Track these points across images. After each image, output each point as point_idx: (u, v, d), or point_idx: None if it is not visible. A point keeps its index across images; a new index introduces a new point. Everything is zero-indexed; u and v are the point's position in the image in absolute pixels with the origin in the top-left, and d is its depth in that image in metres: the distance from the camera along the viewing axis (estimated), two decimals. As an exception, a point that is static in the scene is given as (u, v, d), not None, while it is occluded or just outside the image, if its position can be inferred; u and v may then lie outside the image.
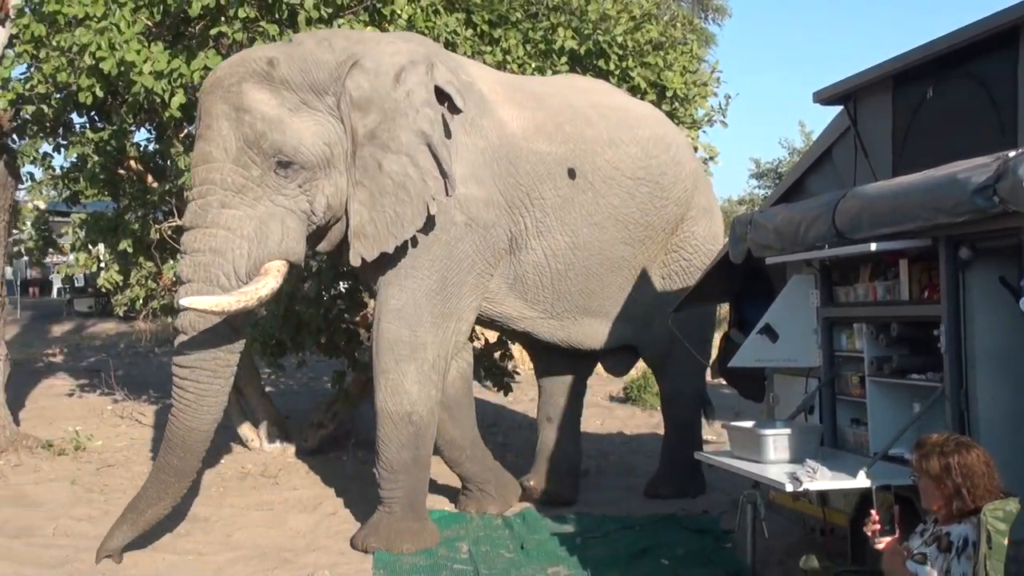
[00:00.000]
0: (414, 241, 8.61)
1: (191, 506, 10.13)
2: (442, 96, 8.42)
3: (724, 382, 10.12)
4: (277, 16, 10.92)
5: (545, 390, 11.03)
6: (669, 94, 11.83)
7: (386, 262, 8.70)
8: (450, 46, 11.29)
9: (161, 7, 10.81)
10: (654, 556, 8.78)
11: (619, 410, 16.46)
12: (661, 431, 14.43)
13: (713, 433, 12.98)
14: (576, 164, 9.22)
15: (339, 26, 10.91)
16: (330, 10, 10.87)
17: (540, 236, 9.26)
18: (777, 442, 7.29)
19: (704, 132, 12.60)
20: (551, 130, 9.20)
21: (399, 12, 11.13)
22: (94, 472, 11.44)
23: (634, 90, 11.74)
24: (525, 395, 17.28)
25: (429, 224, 8.56)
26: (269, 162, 8.05)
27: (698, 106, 12.31)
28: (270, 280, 8.01)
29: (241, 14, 10.68)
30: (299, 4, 10.75)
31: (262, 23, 10.82)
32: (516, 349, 17.64)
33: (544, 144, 9.11)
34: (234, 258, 7.99)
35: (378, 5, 11.17)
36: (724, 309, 12.49)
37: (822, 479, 6.63)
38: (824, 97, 8.29)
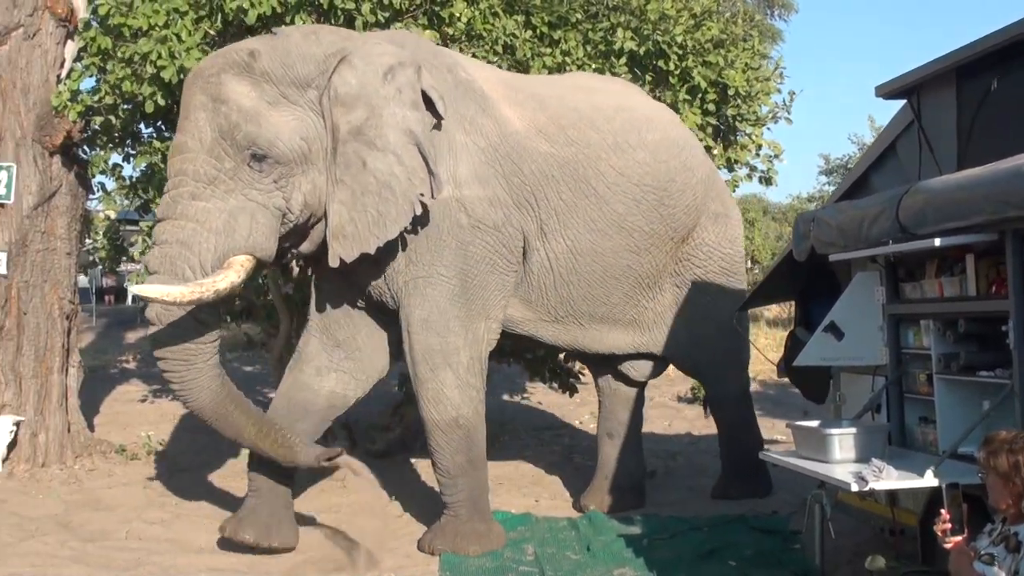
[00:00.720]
0: (426, 249, 8.49)
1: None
2: (426, 100, 8.27)
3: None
4: (334, 22, 10.90)
5: (605, 405, 10.83)
6: (731, 92, 11.66)
7: (395, 271, 8.61)
8: (509, 48, 11.27)
9: (219, 16, 10.84)
10: (721, 557, 8.67)
11: (687, 411, 16.31)
12: (731, 432, 14.40)
13: (780, 433, 12.82)
14: (580, 169, 9.04)
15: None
16: (387, 14, 10.84)
17: (544, 239, 9.09)
18: (842, 441, 7.18)
19: (768, 129, 12.41)
20: (553, 132, 9.01)
21: (458, 15, 11.08)
22: (166, 476, 11.48)
23: (695, 89, 11.63)
24: (592, 396, 17.20)
25: (437, 231, 8.46)
26: (243, 154, 7.89)
27: (761, 103, 12.12)
28: (231, 274, 7.81)
29: (298, 21, 10.69)
30: (355, 9, 10.74)
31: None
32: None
33: (546, 146, 8.93)
34: (200, 251, 7.83)
35: (436, 8, 11.12)
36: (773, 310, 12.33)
37: (888, 478, 6.50)
38: (887, 91, 8.17)
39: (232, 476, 11.79)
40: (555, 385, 12.87)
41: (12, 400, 11.40)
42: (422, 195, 8.10)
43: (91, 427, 12.83)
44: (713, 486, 10.82)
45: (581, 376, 15.37)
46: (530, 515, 10.24)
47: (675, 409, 16.41)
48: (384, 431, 12.86)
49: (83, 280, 14.94)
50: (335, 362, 9.19)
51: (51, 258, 11.52)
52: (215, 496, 10.92)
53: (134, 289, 8.26)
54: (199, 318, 7.90)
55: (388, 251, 8.43)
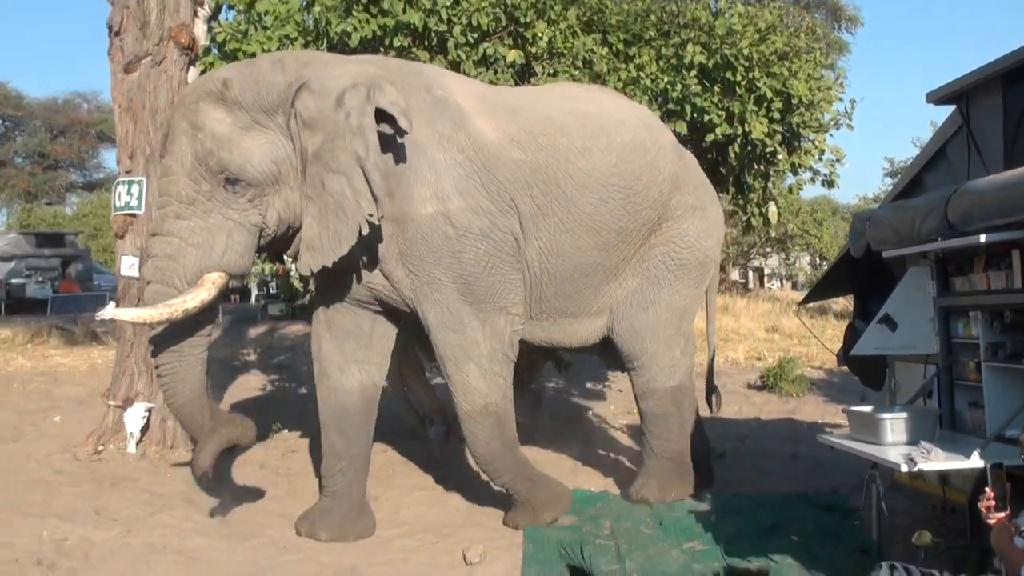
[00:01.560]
0: (421, 260, 8.34)
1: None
2: (387, 117, 8.01)
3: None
4: (428, 43, 10.93)
5: None
6: (795, 101, 11.46)
7: (406, 277, 8.47)
8: (587, 64, 11.19)
9: (325, 40, 10.91)
10: (784, 532, 8.48)
11: (756, 397, 16.17)
12: (795, 417, 14.26)
13: (840, 418, 12.62)
14: (550, 173, 8.79)
15: (484, 50, 10.96)
16: (475, 35, 10.83)
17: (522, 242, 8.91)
18: (894, 425, 7.18)
19: (831, 135, 12.21)
20: (524, 140, 8.76)
21: (540, 35, 11.05)
22: (280, 456, 11.62)
23: (761, 99, 11.45)
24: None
25: (430, 245, 8.30)
26: (217, 178, 7.87)
27: (824, 111, 11.91)
28: (201, 292, 7.80)
29: (396, 43, 10.76)
30: (447, 31, 10.76)
31: (414, 50, 10.87)
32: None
33: (518, 154, 8.69)
34: (185, 264, 7.85)
35: (520, 29, 11.08)
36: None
37: (936, 459, 6.51)
38: (937, 98, 8.09)
39: (374, 446, 11.85)
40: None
41: (144, 389, 11.57)
42: (369, 216, 7.90)
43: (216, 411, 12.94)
44: (632, 486, 9.99)
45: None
46: (607, 493, 10.17)
47: (744, 395, 16.25)
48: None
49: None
50: (351, 354, 9.09)
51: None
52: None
53: (107, 313, 8.14)
54: (184, 325, 7.93)
55: (391, 265, 8.39)
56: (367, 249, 8.21)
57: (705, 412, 10.75)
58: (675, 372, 9.74)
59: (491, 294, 8.50)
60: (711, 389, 10.73)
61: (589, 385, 16.73)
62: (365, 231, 7.87)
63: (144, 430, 11.40)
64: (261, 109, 7.91)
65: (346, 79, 7.91)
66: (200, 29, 12.32)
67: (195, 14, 12.40)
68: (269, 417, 13.60)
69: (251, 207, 7.96)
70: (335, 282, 8.74)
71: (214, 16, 12.34)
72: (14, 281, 30.52)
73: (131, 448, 11.26)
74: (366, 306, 8.94)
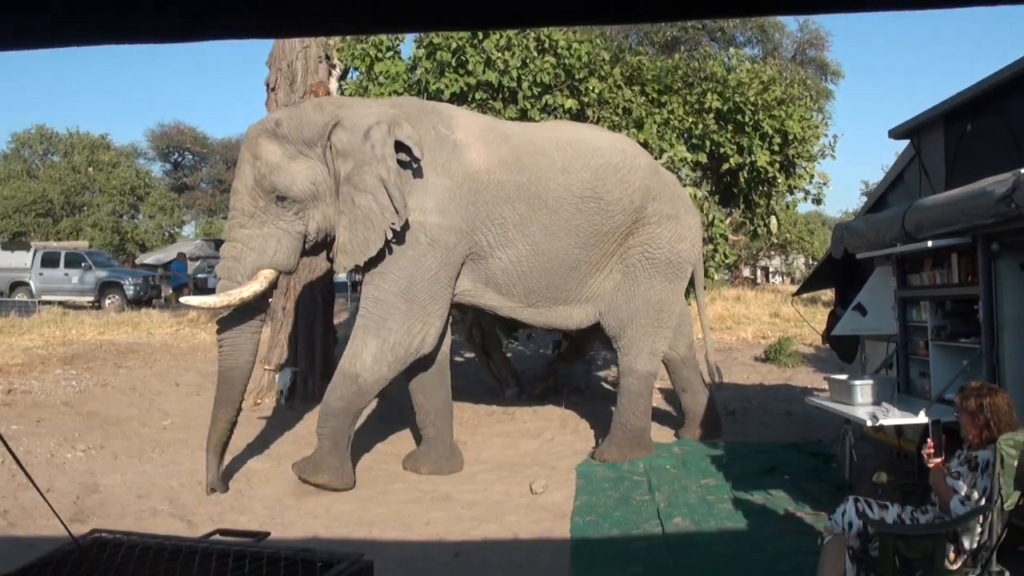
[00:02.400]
0: (388, 255, 8.28)
1: (456, 433, 10.25)
2: (404, 147, 8.06)
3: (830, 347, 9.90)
4: (502, 96, 11.02)
5: (671, 368, 10.36)
6: (790, 137, 11.47)
7: (368, 265, 8.37)
8: (627, 111, 11.20)
9: (425, 94, 11.04)
10: (779, 473, 8.51)
11: (761, 367, 16.03)
12: (791, 383, 14.13)
13: (823, 385, 12.51)
14: (532, 188, 8.66)
15: (545, 102, 11.02)
16: (539, 89, 10.90)
17: (503, 247, 8.72)
18: (863, 390, 7.21)
19: (818, 164, 12.19)
20: (512, 162, 8.67)
21: (592, 88, 11.08)
22: (390, 408, 11.64)
23: (764, 136, 11.49)
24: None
25: (398, 243, 8.23)
26: (270, 196, 7.99)
27: (812, 145, 11.88)
28: (255, 284, 7.92)
29: (477, 97, 10.87)
30: (517, 87, 10.84)
31: (491, 102, 10.95)
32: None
33: (505, 175, 8.60)
34: (245, 264, 7.97)
35: (576, 84, 11.13)
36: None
37: (893, 417, 6.58)
38: (896, 133, 8.07)
39: (463, 402, 11.95)
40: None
41: (291, 358, 11.81)
42: (392, 224, 7.97)
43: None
44: (596, 448, 9.73)
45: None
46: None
47: (752, 366, 16.12)
48: (542, 380, 12.87)
49: (341, 276, 15.32)
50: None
51: (314, 261, 11.82)
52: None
53: (182, 300, 8.58)
54: (251, 305, 8.04)
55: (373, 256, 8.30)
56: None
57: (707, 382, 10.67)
58: (653, 359, 9.57)
59: (424, 299, 8.36)
60: (711, 366, 10.50)
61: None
62: (390, 236, 8.01)
63: (291, 388, 11.62)
64: (304, 142, 8.04)
65: (371, 118, 8.02)
66: (333, 85, 12.57)
67: (330, 74, 12.69)
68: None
69: (296, 219, 8.09)
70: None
71: (343, 76, 12.58)
72: (200, 275, 31.07)
73: (281, 401, 11.50)
74: None
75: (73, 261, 27.15)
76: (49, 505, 2.81)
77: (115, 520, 7.11)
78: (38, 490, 3.01)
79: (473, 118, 9.04)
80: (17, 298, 25.81)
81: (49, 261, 27.38)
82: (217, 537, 3.24)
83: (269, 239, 8.00)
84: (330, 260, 8.69)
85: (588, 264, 9.10)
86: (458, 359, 16.13)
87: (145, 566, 2.89)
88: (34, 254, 28.35)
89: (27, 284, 27.61)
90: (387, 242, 8.12)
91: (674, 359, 10.22)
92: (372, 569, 2.88)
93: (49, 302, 24.57)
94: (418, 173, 8.26)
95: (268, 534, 3.27)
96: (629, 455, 9.23)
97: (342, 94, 11.89)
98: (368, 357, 8.30)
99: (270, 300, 8.62)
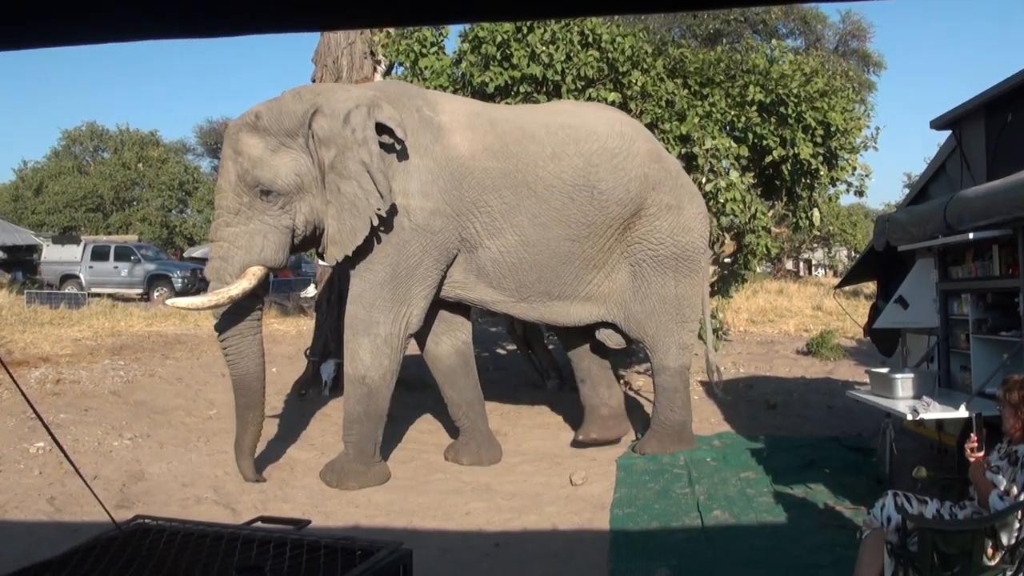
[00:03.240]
0: (373, 243, 8.12)
1: (497, 424, 10.36)
2: (386, 129, 7.86)
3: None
4: (546, 89, 11.01)
5: (573, 360, 9.97)
6: (833, 129, 11.36)
7: (354, 258, 8.23)
8: (670, 104, 11.13)
9: (469, 88, 11.07)
10: (819, 467, 8.45)
11: (803, 361, 15.89)
12: (832, 376, 13.99)
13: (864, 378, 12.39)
14: (520, 176, 8.38)
15: (589, 95, 10.99)
16: (583, 83, 10.87)
17: (492, 237, 8.47)
18: (903, 383, 7.12)
19: (861, 156, 12.03)
20: (498, 148, 8.40)
21: (635, 81, 11.03)
22: (433, 400, 11.63)
23: (807, 128, 11.40)
24: (731, 349, 17.01)
25: (384, 230, 8.06)
26: (255, 191, 7.79)
27: (855, 137, 11.75)
28: (243, 282, 7.72)
29: (522, 90, 10.86)
30: (561, 80, 10.82)
31: (536, 95, 10.94)
32: (725, 313, 17.31)
33: (490, 161, 8.33)
34: (233, 263, 7.78)
35: (619, 77, 11.08)
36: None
37: (933, 411, 6.47)
38: (937, 124, 7.93)
39: (505, 394, 12.11)
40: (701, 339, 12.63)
41: (334, 348, 11.87)
42: (378, 210, 7.77)
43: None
44: (637, 441, 9.60)
45: (727, 335, 15.14)
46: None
47: (794, 359, 15.98)
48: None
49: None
50: (436, 329, 9.13)
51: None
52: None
53: (168, 302, 8.36)
54: (242, 305, 7.88)
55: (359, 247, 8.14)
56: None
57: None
58: (684, 353, 9.31)
59: (407, 286, 8.21)
60: (710, 364, 10.19)
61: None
62: (375, 223, 7.80)
63: (335, 378, 11.64)
64: (285, 133, 7.85)
65: (350, 102, 7.83)
66: (377, 80, 12.61)
67: (375, 70, 12.74)
68: (427, 373, 13.80)
69: (283, 213, 7.90)
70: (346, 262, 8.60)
71: (388, 71, 12.61)
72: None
73: (325, 392, 11.59)
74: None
75: (122, 254, 27.51)
76: (92, 492, 2.87)
77: (160, 507, 7.21)
78: (82, 478, 3.07)
79: (460, 103, 8.84)
80: (67, 290, 26.19)
81: (99, 254, 27.76)
82: (259, 524, 3.28)
83: (256, 235, 7.83)
84: (320, 254, 8.50)
85: (583, 259, 8.78)
86: (500, 351, 16.18)
87: (187, 552, 2.92)
88: (84, 248, 28.75)
89: (77, 277, 28.01)
90: (374, 229, 7.97)
91: (580, 353, 9.94)
92: (411, 557, 2.90)
93: (98, 294, 24.89)
94: (402, 155, 8.08)
95: (309, 522, 3.30)
96: (670, 449, 9.14)
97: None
98: (366, 356, 8.21)
99: (264, 297, 8.44)
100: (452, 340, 9.12)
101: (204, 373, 12.56)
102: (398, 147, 7.99)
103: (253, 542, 2.99)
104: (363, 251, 8.11)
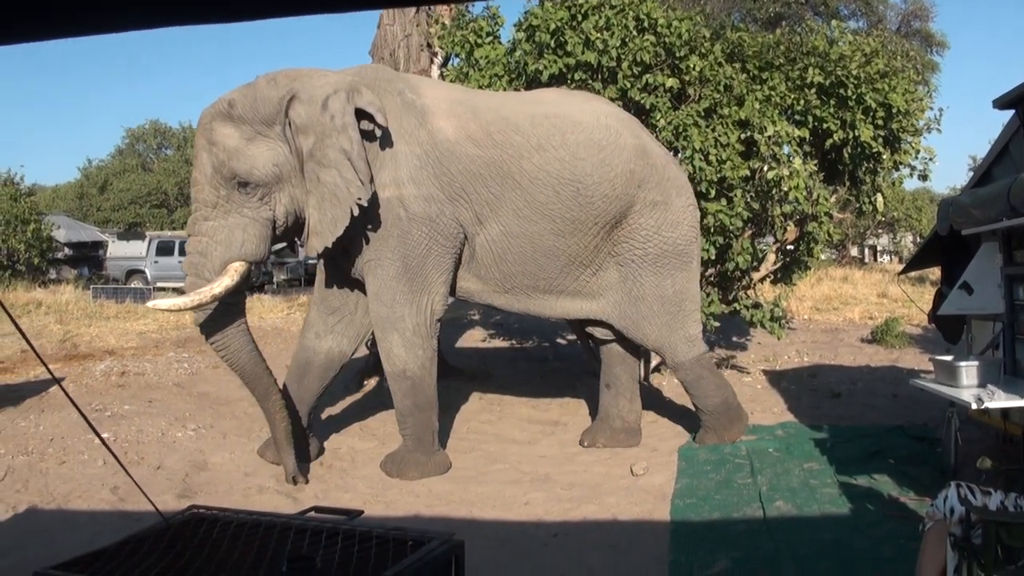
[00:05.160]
0: (376, 237, 7.93)
1: (556, 415, 10.32)
2: (366, 115, 7.59)
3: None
4: (601, 76, 10.95)
5: (604, 361, 9.72)
6: (894, 111, 11.13)
7: (358, 255, 8.09)
8: (728, 88, 11.01)
9: (524, 76, 11.06)
10: (884, 456, 8.34)
11: (867, 348, 15.63)
12: (898, 364, 13.77)
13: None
14: (504, 167, 8.13)
15: (646, 81, 10.91)
16: (639, 68, 10.78)
17: (480, 226, 8.26)
18: (968, 371, 6.96)
19: (924, 138, 11.80)
20: (481, 137, 8.13)
21: (693, 66, 10.91)
22: (494, 390, 11.76)
23: (867, 110, 11.19)
24: (798, 336, 16.83)
25: (384, 223, 7.88)
26: (232, 183, 7.52)
27: (918, 118, 11.51)
28: (225, 279, 7.42)
29: (576, 77, 10.81)
30: (617, 66, 10.75)
31: (591, 82, 10.89)
32: (789, 301, 17.12)
33: (473, 149, 8.06)
34: (212, 258, 7.50)
35: (677, 62, 10.98)
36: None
37: (999, 399, 6.32)
38: (1000, 103, 7.72)
39: (538, 387, 12.14)
40: (766, 327, 12.48)
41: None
42: (359, 199, 7.51)
43: (450, 357, 13.29)
44: (696, 434, 9.39)
45: (790, 322, 14.96)
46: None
47: (859, 348, 15.71)
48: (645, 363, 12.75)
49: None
50: (330, 326, 8.72)
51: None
52: (527, 404, 11.23)
53: (150, 304, 8.14)
54: (225, 301, 7.57)
55: (354, 240, 7.95)
56: (354, 230, 7.79)
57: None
58: (694, 345, 9.04)
59: (421, 275, 8.04)
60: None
61: (735, 338, 16.52)
62: (356, 213, 7.55)
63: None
64: (261, 121, 7.57)
65: (328, 87, 7.57)
66: (435, 72, 12.69)
67: (431, 61, 12.84)
68: (488, 362, 13.89)
69: (262, 204, 7.64)
70: (333, 261, 8.47)
71: (445, 63, 12.67)
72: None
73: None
74: (359, 286, 8.56)
75: (187, 249, 27.98)
76: (139, 488, 2.93)
77: (222, 496, 7.37)
78: (128, 475, 3.13)
79: (441, 89, 8.66)
80: (133, 285, 26.73)
81: (164, 249, 28.28)
82: (312, 515, 3.32)
83: (235, 229, 7.56)
84: (302, 245, 8.28)
85: (568, 254, 8.55)
86: (560, 341, 16.18)
87: (239, 541, 2.98)
88: (149, 243, 29.34)
89: (143, 272, 28.59)
90: (375, 224, 7.85)
91: (609, 350, 9.59)
92: (463, 548, 2.91)
93: (163, 289, 25.37)
94: (387, 142, 7.88)
95: (361, 512, 3.33)
96: (727, 434, 9.04)
97: (442, 79, 11.98)
98: (400, 351, 8.13)
99: (245, 292, 8.19)
100: (334, 344, 8.76)
101: (269, 364, 12.72)
102: (379, 133, 7.78)
103: (306, 532, 3.04)
104: (366, 248, 8.02)
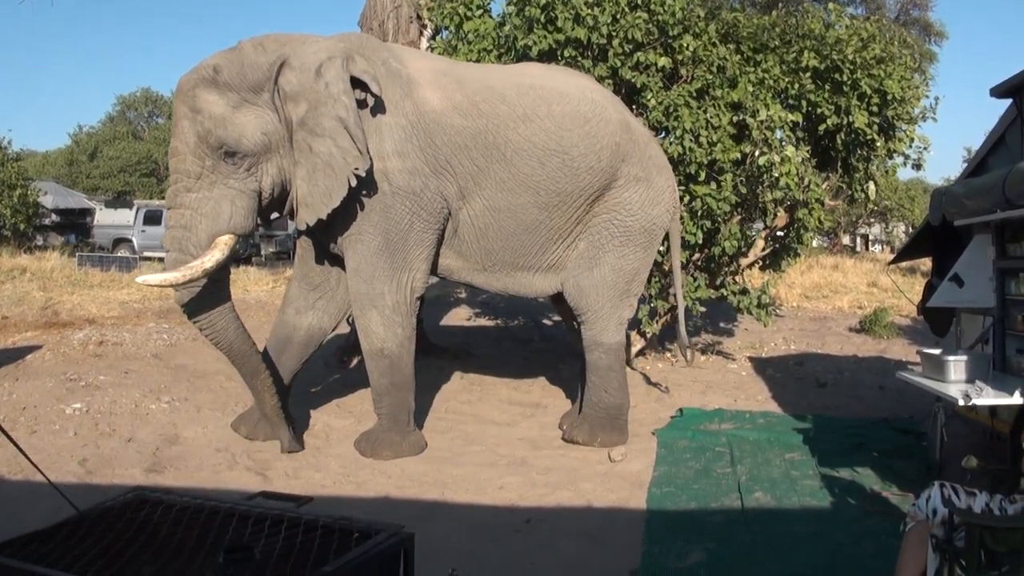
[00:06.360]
0: (358, 211, 7.69)
1: (537, 398, 10.20)
2: (360, 84, 7.36)
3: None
4: (591, 54, 10.74)
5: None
6: (889, 97, 10.96)
7: (338, 229, 7.86)
8: (721, 69, 10.83)
9: (513, 52, 10.86)
10: (868, 449, 8.24)
11: (855, 338, 15.56)
12: (885, 355, 13.67)
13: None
14: (489, 138, 7.89)
15: (637, 59, 10.71)
16: (631, 46, 10.58)
17: (463, 200, 8.02)
18: (956, 366, 6.82)
19: (919, 127, 11.64)
20: (467, 107, 7.87)
21: (686, 46, 10.72)
22: (474, 370, 11.63)
23: (863, 96, 11.03)
24: (786, 324, 16.74)
25: (367, 196, 7.63)
26: (218, 153, 7.21)
27: (913, 106, 11.34)
28: (215, 253, 7.14)
29: (566, 54, 10.61)
30: (608, 44, 10.54)
31: (580, 59, 10.69)
32: (778, 288, 17.00)
33: (459, 120, 7.81)
34: (197, 232, 7.21)
35: (670, 41, 10.78)
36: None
37: (987, 396, 6.17)
38: (998, 91, 7.59)
39: (521, 368, 12.02)
40: (753, 313, 12.35)
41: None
42: (356, 170, 7.29)
43: (431, 336, 13.14)
44: (566, 426, 9.05)
45: (778, 309, 14.83)
46: (722, 410, 9.94)
47: (846, 337, 15.64)
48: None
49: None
50: (310, 302, 8.53)
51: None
52: (509, 386, 11.09)
53: (139, 280, 7.66)
54: (212, 277, 7.28)
55: (335, 215, 7.60)
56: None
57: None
58: (621, 330, 8.83)
59: (403, 251, 7.82)
60: (682, 339, 9.67)
61: (722, 324, 16.42)
62: (354, 183, 7.34)
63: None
64: (248, 88, 7.27)
65: (321, 54, 7.31)
66: (424, 45, 12.49)
67: (421, 33, 12.65)
68: (472, 341, 13.76)
69: (249, 175, 7.36)
70: (313, 235, 8.24)
71: (434, 35, 12.47)
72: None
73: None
74: (339, 262, 8.33)
75: (175, 219, 27.82)
76: (47, 478, 2.75)
77: (192, 472, 7.21)
78: (34, 465, 2.96)
79: (425, 59, 8.41)
80: (119, 254, 26.52)
81: (151, 219, 28.08)
82: (259, 500, 3.16)
83: (222, 201, 7.26)
84: (289, 216, 8.02)
85: (549, 229, 8.38)
86: (546, 322, 16.05)
87: (180, 527, 2.86)
88: (137, 212, 29.10)
89: (129, 241, 28.37)
90: (356, 198, 7.61)
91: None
92: (412, 541, 2.76)
93: (150, 258, 25.19)
94: (373, 112, 7.62)
95: (311, 499, 3.18)
96: (600, 437, 8.61)
97: (431, 51, 11.78)
98: (378, 329, 7.93)
99: (230, 267, 7.85)
100: (314, 320, 8.59)
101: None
102: (371, 103, 7.54)
103: (249, 519, 2.90)
104: (347, 223, 7.78)
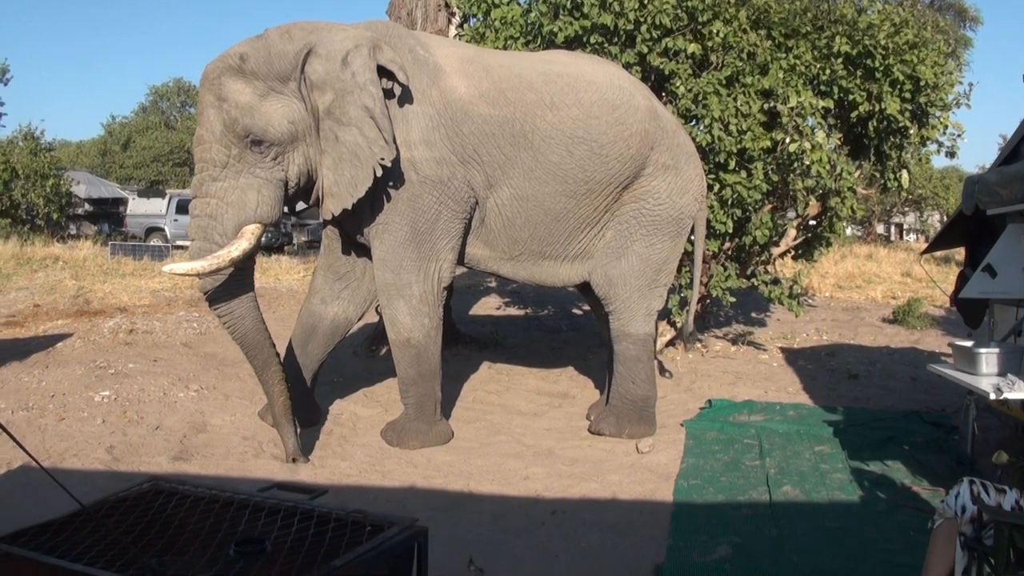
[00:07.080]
0: (384, 201, 7.62)
1: (565, 388, 10.15)
2: (387, 73, 7.27)
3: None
4: (618, 40, 10.63)
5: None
6: (922, 84, 10.75)
7: (365, 219, 7.80)
8: (751, 56, 10.69)
9: (540, 38, 10.79)
10: (898, 443, 8.12)
11: (888, 329, 15.37)
12: (918, 346, 13.50)
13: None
14: (517, 126, 7.79)
15: (666, 45, 10.59)
16: (659, 32, 10.47)
17: (491, 189, 7.92)
18: (988, 358, 6.64)
19: (953, 113, 11.40)
20: (494, 96, 7.77)
21: (716, 32, 10.59)
22: (504, 359, 11.62)
23: (895, 82, 10.82)
24: (818, 314, 16.57)
25: (394, 186, 7.56)
26: (244, 142, 7.12)
27: (947, 93, 11.13)
28: (243, 242, 7.04)
29: (593, 41, 10.51)
30: (635, 30, 10.43)
31: (607, 46, 10.59)
32: (811, 278, 16.82)
33: (486, 108, 7.72)
34: (223, 221, 7.13)
35: (699, 27, 10.66)
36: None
37: (1019, 390, 6.01)
38: None
39: (549, 358, 11.97)
40: (785, 304, 12.23)
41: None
42: (382, 160, 7.19)
43: (461, 324, 13.13)
44: (593, 418, 8.98)
45: (811, 299, 14.67)
46: (752, 401, 9.83)
47: (879, 328, 15.45)
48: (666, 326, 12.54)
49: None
50: (336, 292, 8.49)
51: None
52: (537, 375, 11.04)
53: (165, 268, 7.49)
54: (238, 266, 7.18)
55: (362, 205, 7.55)
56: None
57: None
58: (649, 321, 8.73)
59: (430, 240, 7.76)
60: (687, 325, 9.70)
61: (753, 314, 16.29)
62: (379, 174, 7.26)
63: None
64: (275, 77, 7.21)
65: (348, 42, 7.23)
66: (452, 33, 12.46)
67: (449, 21, 12.62)
68: (500, 330, 13.73)
69: (275, 165, 7.29)
70: (339, 225, 8.20)
71: (462, 23, 12.42)
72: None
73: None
74: (365, 252, 8.30)
75: (207, 208, 28.01)
76: (48, 473, 2.76)
77: (218, 460, 7.24)
78: (35, 460, 2.97)
79: (452, 47, 8.33)
80: (152, 243, 26.71)
81: (184, 208, 28.20)
82: (275, 491, 3.15)
83: (248, 190, 7.18)
84: (316, 205, 7.95)
85: (578, 218, 8.30)
86: (576, 311, 15.99)
87: (193, 518, 2.87)
88: (169, 201, 29.31)
89: (162, 230, 28.59)
90: (383, 188, 7.56)
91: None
92: (426, 535, 2.74)
93: (182, 247, 25.31)
94: (400, 101, 7.56)
95: (326, 491, 3.17)
96: (627, 429, 8.55)
97: (459, 39, 11.74)
98: (405, 319, 7.89)
99: (255, 257, 7.69)
100: (339, 311, 8.57)
101: (278, 327, 12.52)
102: (398, 92, 7.48)
103: (263, 510, 2.90)
104: (374, 212, 7.75)
